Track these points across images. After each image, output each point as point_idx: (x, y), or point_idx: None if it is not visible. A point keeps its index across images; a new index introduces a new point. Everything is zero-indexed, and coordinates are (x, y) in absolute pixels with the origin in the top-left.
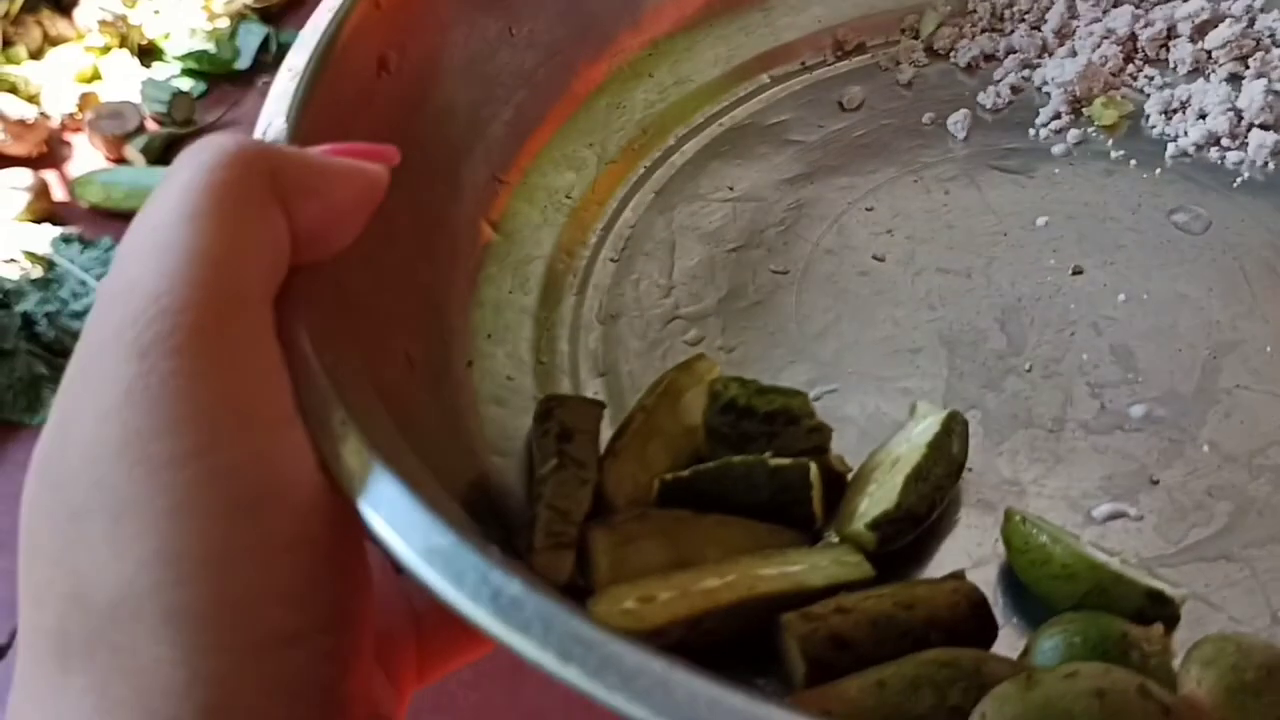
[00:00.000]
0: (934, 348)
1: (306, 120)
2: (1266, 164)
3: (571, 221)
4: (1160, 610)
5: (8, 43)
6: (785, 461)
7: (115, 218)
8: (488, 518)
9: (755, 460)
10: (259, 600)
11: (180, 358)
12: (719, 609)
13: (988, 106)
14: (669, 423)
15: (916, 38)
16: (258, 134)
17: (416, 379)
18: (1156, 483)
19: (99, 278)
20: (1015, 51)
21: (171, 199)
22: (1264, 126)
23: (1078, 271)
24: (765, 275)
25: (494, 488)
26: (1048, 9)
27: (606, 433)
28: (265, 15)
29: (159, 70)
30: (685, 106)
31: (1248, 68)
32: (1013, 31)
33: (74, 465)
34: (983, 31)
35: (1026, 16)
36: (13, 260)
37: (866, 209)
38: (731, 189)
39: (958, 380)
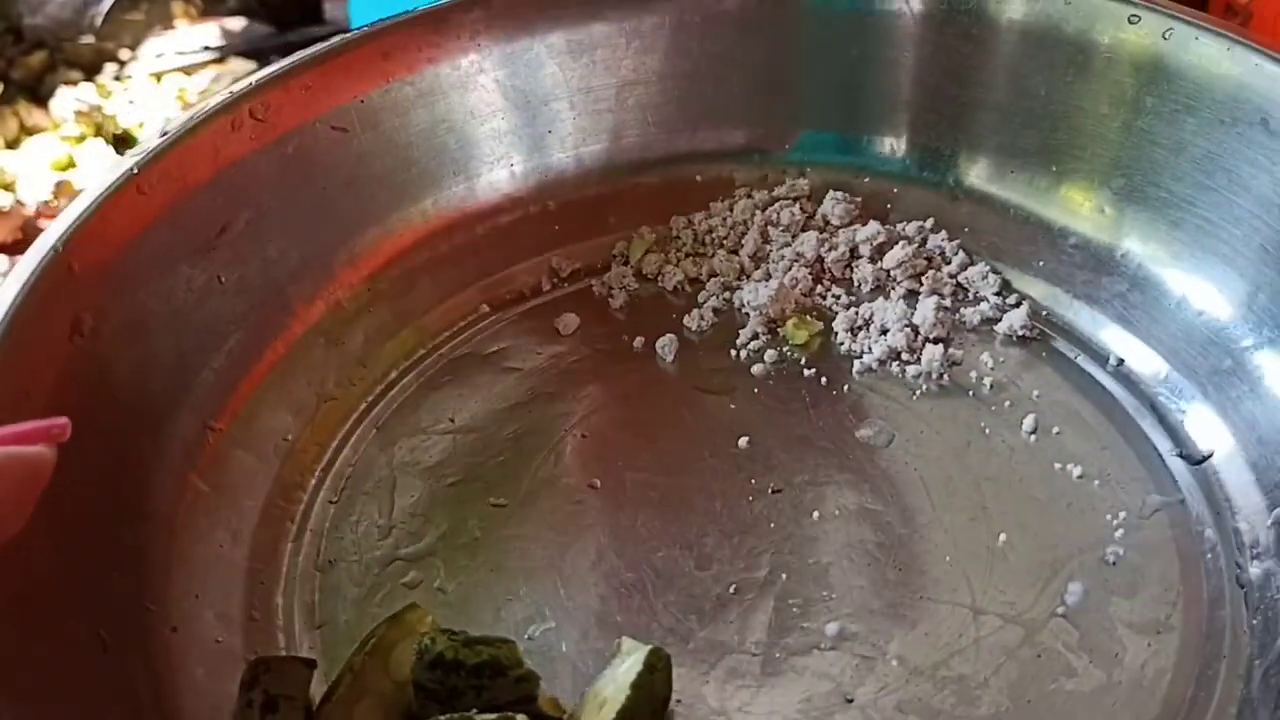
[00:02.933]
0: (645, 577)
1: None
2: (941, 375)
3: (289, 464)
4: None
5: None
6: (491, 717)
7: None
8: None
9: (461, 718)
10: None
11: None
12: None
13: (693, 329)
14: (380, 680)
15: (627, 264)
16: None
17: (110, 660)
18: (851, 701)
19: None
20: (716, 275)
21: None
22: (936, 340)
23: (777, 490)
24: (485, 508)
25: None
26: (744, 235)
27: (321, 689)
28: None
29: None
30: (405, 340)
31: (922, 284)
32: (713, 255)
33: None
34: (687, 256)
35: (725, 242)
36: None
37: (582, 435)
38: (453, 420)
39: (664, 610)
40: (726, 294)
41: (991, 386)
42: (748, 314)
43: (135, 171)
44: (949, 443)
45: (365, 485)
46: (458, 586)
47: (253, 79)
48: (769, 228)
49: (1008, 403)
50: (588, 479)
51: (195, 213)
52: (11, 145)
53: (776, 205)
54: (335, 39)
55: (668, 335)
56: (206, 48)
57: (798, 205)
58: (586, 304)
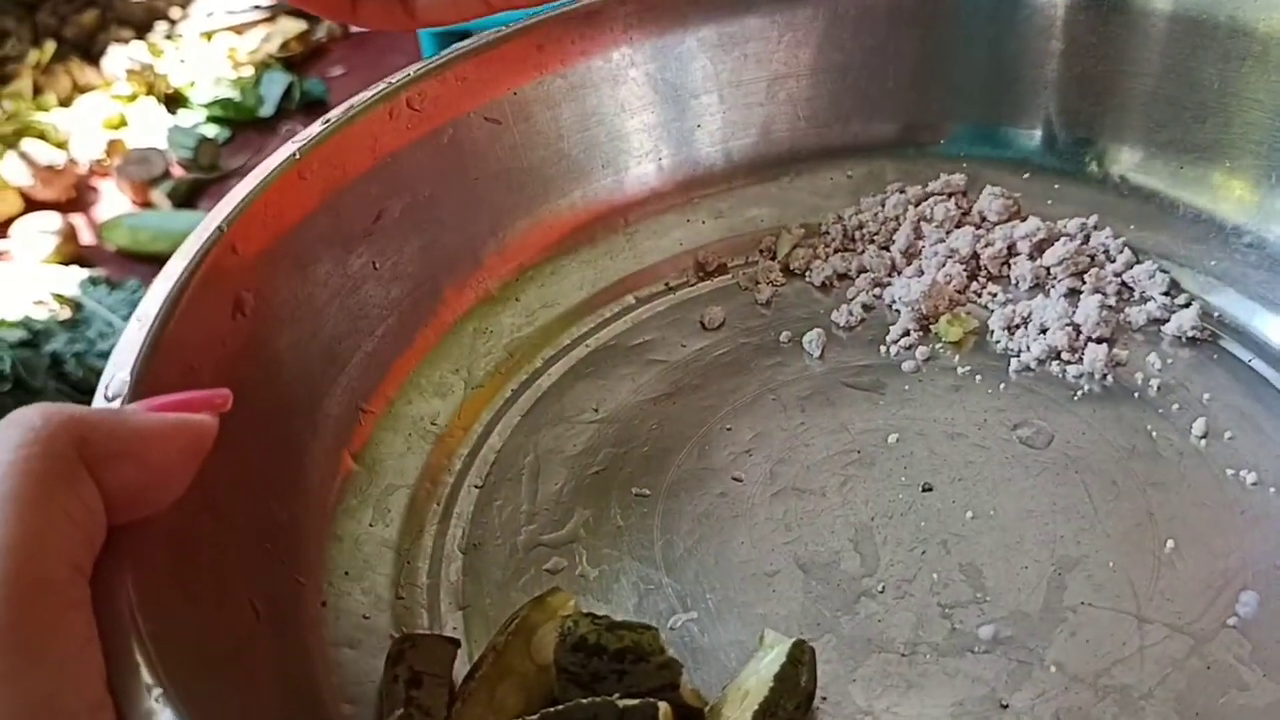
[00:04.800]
0: (790, 570)
1: (153, 370)
2: (1104, 376)
3: (436, 448)
4: None
5: (38, 91)
6: (634, 703)
7: (141, 260)
8: None
9: (603, 702)
10: None
11: None
12: None
13: (841, 324)
14: (521, 662)
15: (774, 258)
16: (102, 385)
17: (263, 629)
18: (1006, 707)
19: (125, 318)
20: (866, 271)
21: None
22: (1099, 340)
23: (927, 489)
24: (628, 498)
25: None
26: (895, 230)
27: (464, 669)
28: (289, 64)
29: (185, 117)
30: (551, 329)
31: (1084, 283)
32: (863, 251)
33: None
34: (835, 252)
35: (876, 237)
36: (42, 302)
37: (727, 428)
38: (596, 410)
39: (813, 604)
40: (876, 290)
41: (1159, 389)
42: (898, 310)
43: (298, 157)
44: (1113, 446)
45: (509, 471)
46: (600, 574)
47: (410, 70)
48: (922, 223)
49: (1176, 406)
50: (732, 472)
51: (353, 199)
52: (64, 103)
53: (930, 200)
54: (489, 33)
55: (815, 330)
56: (256, 6)
57: (952, 200)
58: (732, 298)
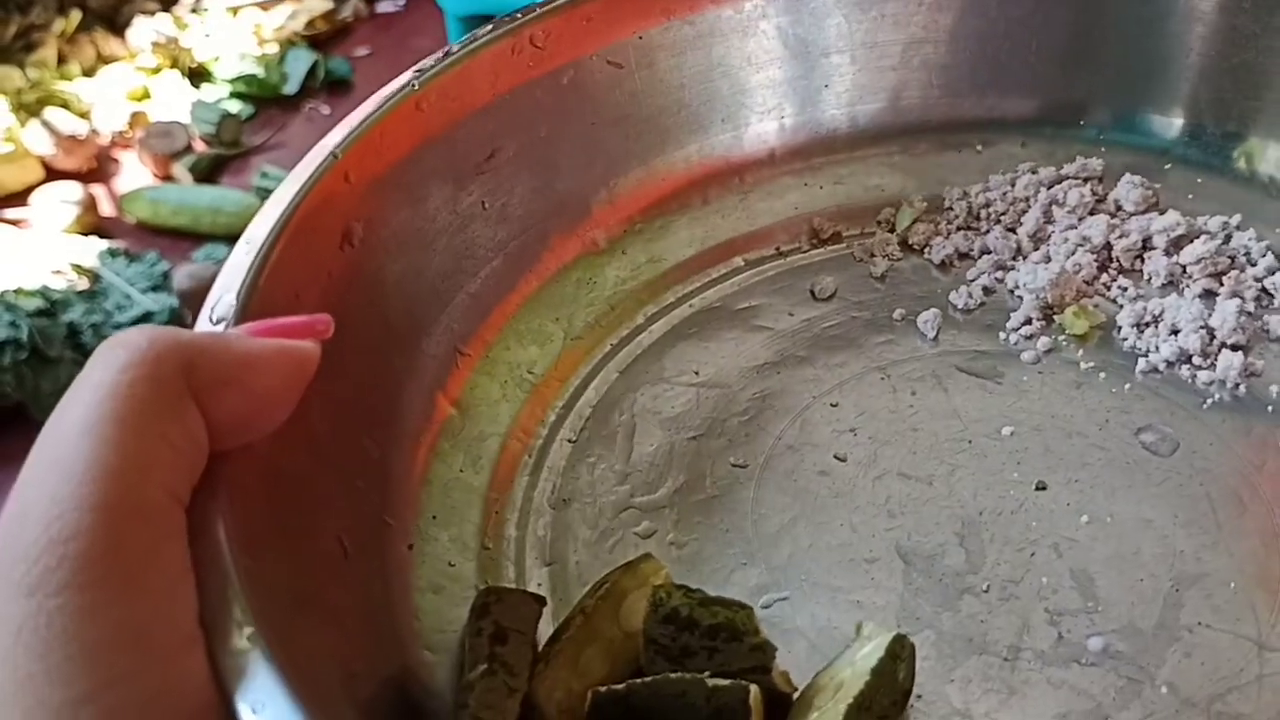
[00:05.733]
0: (890, 559)
1: (260, 295)
2: (1237, 386)
3: (531, 399)
4: None
5: (62, 60)
6: (724, 683)
7: (161, 233)
8: None
9: (693, 679)
10: None
11: (68, 593)
12: None
13: (959, 306)
14: (609, 627)
15: (892, 231)
16: (207, 307)
17: (349, 568)
18: None
19: (143, 291)
20: (989, 252)
21: (77, 407)
22: (1234, 347)
23: (1041, 487)
24: (724, 467)
25: (420, 688)
26: (1024, 212)
27: (548, 628)
28: (313, 42)
29: (208, 92)
30: (656, 285)
31: (1222, 285)
32: (988, 232)
33: None
34: (958, 230)
35: (1003, 218)
36: (60, 271)
37: (831, 404)
38: (697, 373)
39: (912, 597)
40: (999, 273)
41: None
42: (1021, 296)
43: (416, 88)
44: (1241, 460)
45: (604, 428)
46: (691, 543)
47: (537, 8)
48: (1054, 207)
49: None
50: (834, 450)
51: (469, 134)
52: (88, 73)
53: (1064, 184)
54: None
55: (932, 310)
56: None
57: (1088, 186)
58: (845, 269)
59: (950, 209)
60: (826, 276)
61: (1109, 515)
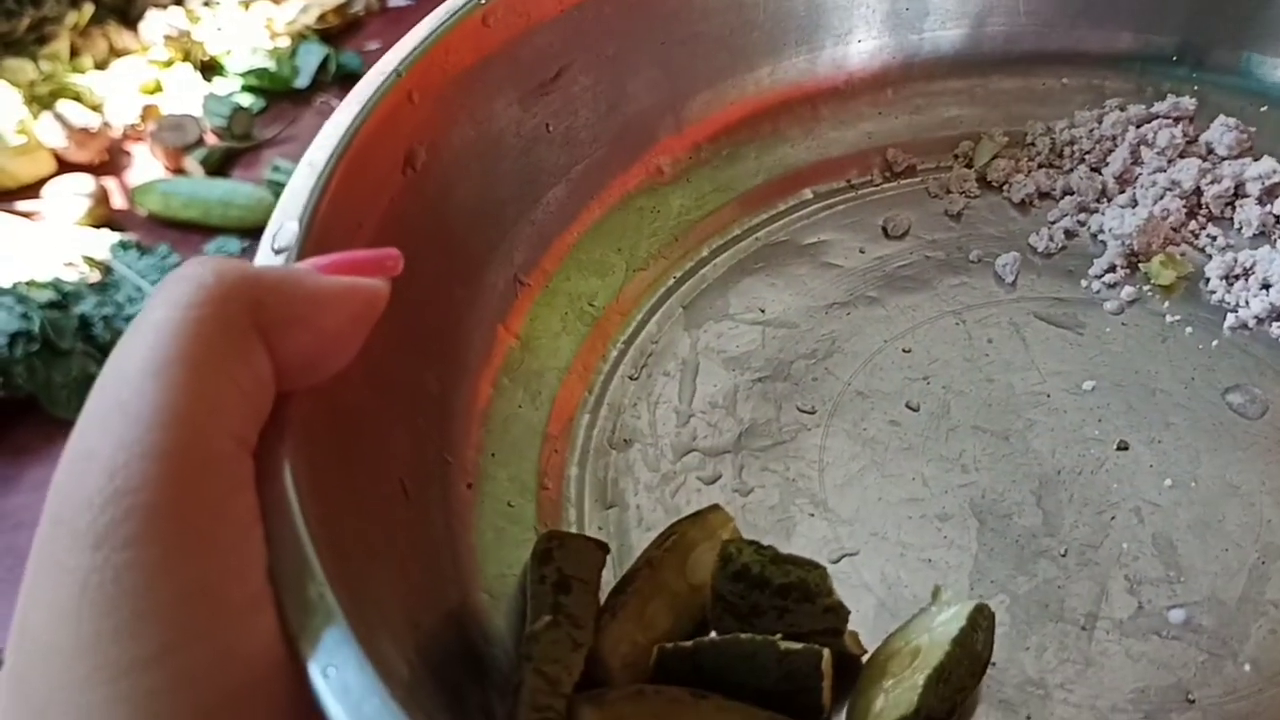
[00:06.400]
0: (964, 517)
1: (321, 221)
2: None
3: (593, 332)
4: None
5: (75, 53)
6: (796, 646)
7: (172, 226)
8: (471, 673)
9: (764, 641)
10: None
11: (137, 547)
12: None
13: (1039, 250)
14: (675, 580)
15: (970, 166)
16: (268, 234)
17: (412, 510)
18: (1193, 702)
19: (154, 284)
20: (1072, 193)
21: (141, 345)
22: None
23: (1123, 447)
24: (790, 412)
25: (479, 632)
26: (1110, 152)
27: (609, 575)
28: (325, 36)
29: (220, 85)
30: (722, 216)
31: None
32: (1071, 170)
33: (35, 665)
34: (1040, 167)
35: (1087, 157)
36: (72, 264)
37: (904, 350)
38: (763, 311)
39: (987, 558)
40: (1082, 215)
41: None
42: (1105, 242)
43: (482, 2)
44: None
45: (667, 365)
46: (756, 491)
47: None
48: (1142, 148)
49: None
50: (907, 398)
51: (535, 51)
52: (100, 66)
53: (1154, 124)
54: None
55: (1011, 253)
56: None
57: (1179, 127)
58: (920, 205)
59: (1033, 144)
60: (900, 212)
61: (1193, 480)
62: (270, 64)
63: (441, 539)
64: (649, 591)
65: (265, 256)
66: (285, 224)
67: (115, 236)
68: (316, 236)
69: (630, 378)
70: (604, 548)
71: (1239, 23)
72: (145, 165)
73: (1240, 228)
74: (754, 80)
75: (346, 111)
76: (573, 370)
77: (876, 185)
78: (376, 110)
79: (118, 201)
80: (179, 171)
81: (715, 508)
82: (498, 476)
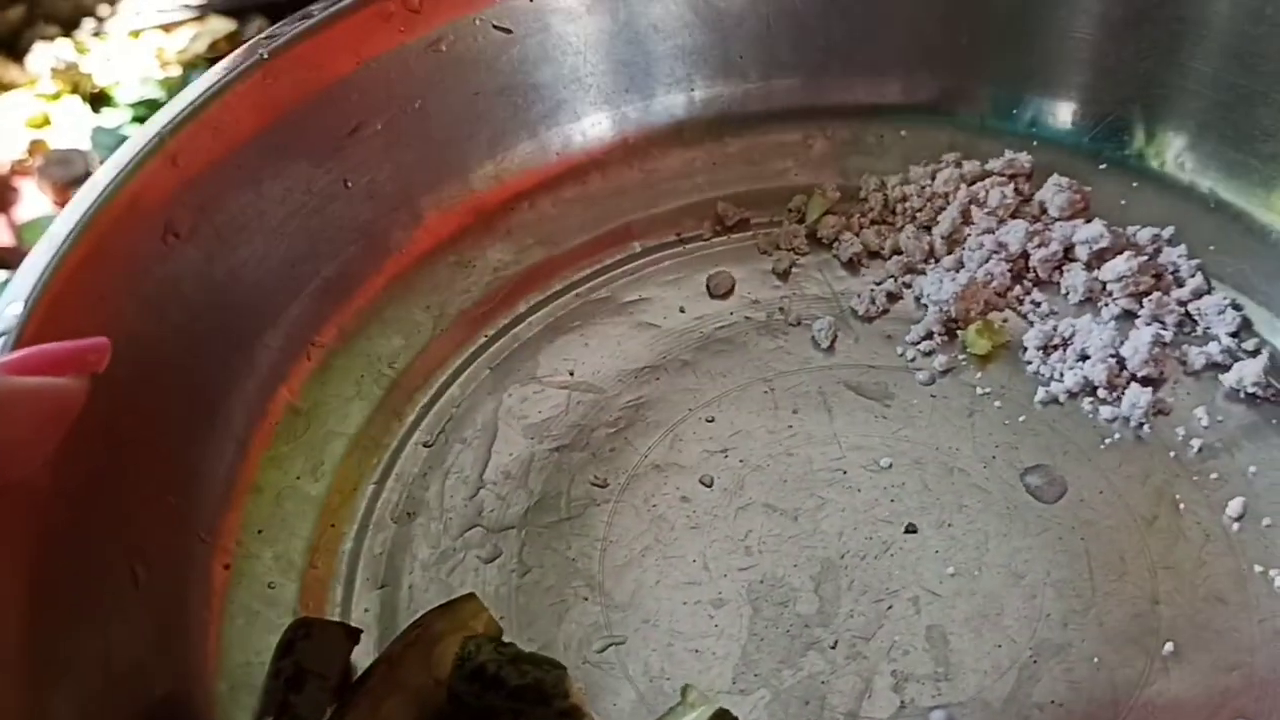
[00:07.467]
0: (739, 603)
1: (55, 300)
2: (1141, 425)
3: (389, 395)
4: None
5: None
6: None
7: None
8: None
9: None
10: None
11: None
12: None
13: (860, 313)
14: (418, 675)
15: (802, 221)
16: None
17: (140, 596)
18: None
19: None
20: (900, 252)
21: None
22: (1145, 381)
23: (911, 530)
24: (583, 485)
25: None
26: (941, 209)
27: (370, 657)
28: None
29: (109, 117)
30: (541, 271)
31: (1142, 308)
32: (901, 228)
33: None
34: (871, 224)
35: (918, 215)
36: None
37: (708, 419)
38: (572, 374)
39: (755, 649)
40: (907, 276)
41: (1200, 450)
42: (926, 306)
43: (265, 57)
44: (1131, 512)
45: (465, 432)
46: (533, 571)
47: None
48: (972, 206)
49: (1214, 475)
50: (701, 473)
51: (329, 107)
52: None
53: (987, 181)
54: None
55: (828, 317)
56: (186, 5)
57: (1012, 185)
58: (746, 261)
59: (865, 200)
60: (725, 270)
61: (978, 568)
62: (161, 94)
63: (177, 626)
64: (383, 691)
65: None
66: (7, 308)
67: (2, 274)
68: (45, 317)
69: (425, 445)
70: (354, 636)
71: (1080, 78)
72: (33, 201)
73: (1066, 294)
74: (579, 130)
75: (101, 179)
76: (363, 437)
77: (706, 240)
78: (132, 178)
79: (4, 238)
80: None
81: (469, 597)
82: (262, 555)
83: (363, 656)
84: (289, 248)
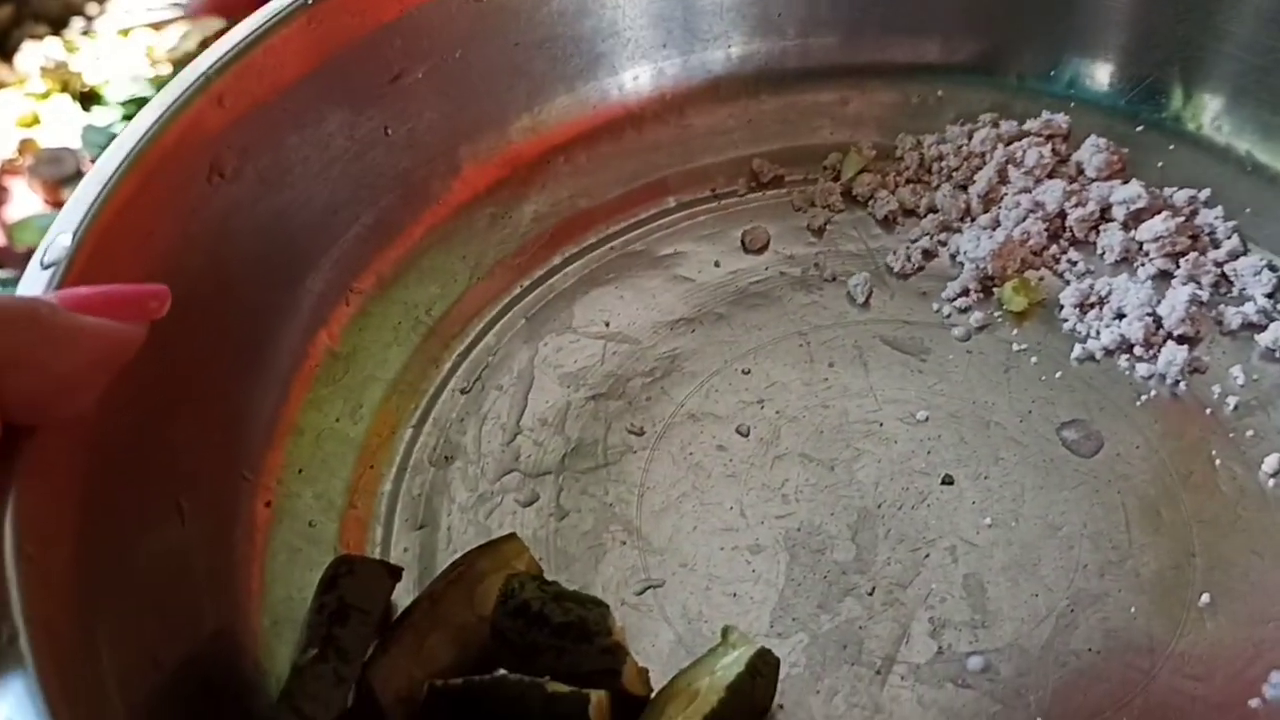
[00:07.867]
0: (775, 550)
1: (102, 233)
2: (1177, 383)
3: (426, 342)
4: None
5: None
6: (563, 689)
7: None
8: (232, 706)
9: (531, 683)
10: None
11: None
12: None
13: (895, 269)
14: (461, 612)
15: (837, 179)
16: (40, 249)
17: (185, 532)
18: None
19: None
20: (935, 211)
21: None
22: (1181, 339)
23: (947, 481)
24: (619, 433)
25: (254, 661)
26: (977, 169)
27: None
28: None
29: (99, 115)
30: (576, 224)
31: (1178, 268)
32: (938, 187)
33: None
34: (907, 183)
35: (955, 174)
36: None
37: (743, 371)
38: (607, 325)
39: (793, 594)
40: (943, 235)
41: (1235, 408)
42: (962, 263)
43: (310, 2)
44: (1167, 468)
45: (501, 379)
46: (571, 515)
47: None
48: (1009, 166)
49: (1250, 432)
50: (738, 422)
51: (371, 53)
52: None
53: (1024, 141)
54: None
55: (864, 273)
56: (175, 3)
57: (1049, 146)
58: (781, 218)
59: (901, 159)
60: (761, 225)
61: (1014, 519)
62: (151, 92)
63: (223, 561)
64: (427, 625)
65: (33, 272)
66: (57, 238)
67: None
68: (94, 250)
69: (462, 391)
70: (395, 574)
71: (1114, 38)
72: (24, 200)
73: (1103, 253)
74: (617, 84)
75: (143, 119)
76: (400, 382)
77: (741, 196)
78: (178, 117)
79: None
80: (58, 205)
81: (511, 537)
82: (302, 494)
83: (403, 595)
84: (330, 193)
